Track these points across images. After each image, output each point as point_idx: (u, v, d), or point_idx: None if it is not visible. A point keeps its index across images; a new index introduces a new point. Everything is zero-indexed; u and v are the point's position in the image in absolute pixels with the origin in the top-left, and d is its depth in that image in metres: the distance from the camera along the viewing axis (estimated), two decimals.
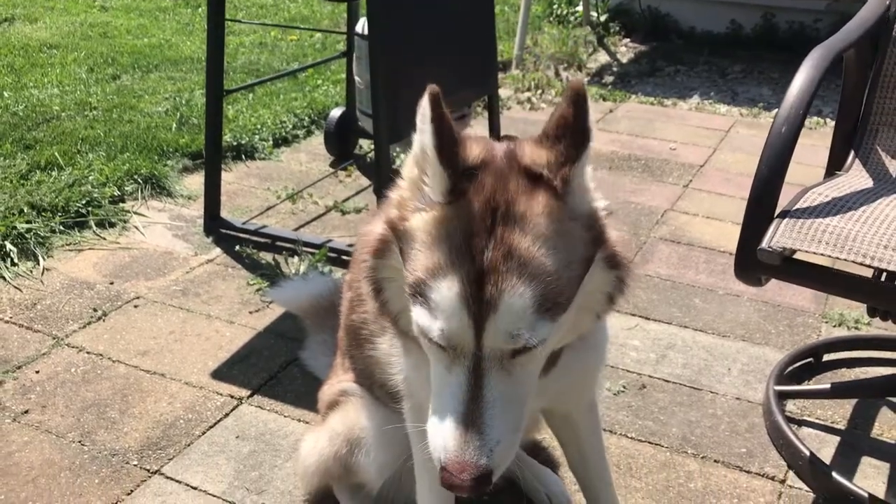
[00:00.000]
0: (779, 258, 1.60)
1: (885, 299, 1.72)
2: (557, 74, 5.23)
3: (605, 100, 4.78)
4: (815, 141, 3.76)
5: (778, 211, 1.69)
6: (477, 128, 4.11)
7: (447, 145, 1.08)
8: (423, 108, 1.08)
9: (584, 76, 5.31)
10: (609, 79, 5.22)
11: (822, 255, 1.58)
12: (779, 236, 1.61)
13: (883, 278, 1.82)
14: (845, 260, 1.55)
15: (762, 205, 1.65)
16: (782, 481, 1.94)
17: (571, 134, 1.08)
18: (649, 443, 2.05)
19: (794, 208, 1.69)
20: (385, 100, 2.66)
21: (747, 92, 4.95)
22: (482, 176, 1.09)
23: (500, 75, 5.07)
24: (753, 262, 1.64)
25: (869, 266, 1.57)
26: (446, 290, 1.03)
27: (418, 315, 1.07)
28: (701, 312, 2.62)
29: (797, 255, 1.69)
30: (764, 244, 1.61)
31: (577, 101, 1.07)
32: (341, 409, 1.69)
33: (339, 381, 1.73)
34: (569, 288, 1.07)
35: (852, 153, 2.09)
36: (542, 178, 1.09)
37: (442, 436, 1.04)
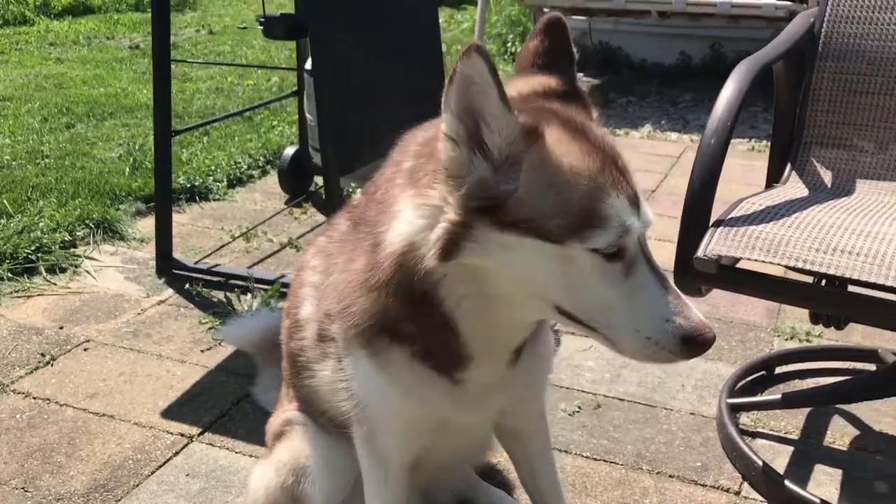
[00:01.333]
0: (714, 266, 1.62)
1: (824, 303, 1.75)
2: None
3: None
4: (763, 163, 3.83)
5: (713, 221, 1.71)
6: None
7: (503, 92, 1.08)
8: (475, 65, 1.04)
9: None
10: None
11: (756, 260, 1.61)
12: (713, 244, 1.63)
13: (823, 283, 1.85)
14: (778, 264, 1.58)
15: (696, 215, 1.68)
16: (737, 493, 1.93)
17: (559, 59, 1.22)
18: (604, 461, 2.04)
19: (728, 217, 1.72)
20: (332, 134, 2.67)
21: (697, 119, 5.05)
22: (542, 114, 1.15)
23: None
24: (691, 272, 1.66)
25: (802, 270, 1.60)
26: (615, 199, 1.10)
27: (595, 239, 1.09)
28: None
29: (741, 265, 1.71)
30: (699, 253, 1.63)
31: (551, 30, 1.17)
32: (286, 438, 1.66)
33: (285, 410, 1.71)
34: None
35: (789, 166, 2.14)
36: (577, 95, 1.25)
37: (673, 311, 1.12)
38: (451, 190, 1.12)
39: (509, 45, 6.49)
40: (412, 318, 1.23)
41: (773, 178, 2.15)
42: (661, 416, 2.21)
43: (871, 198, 1.97)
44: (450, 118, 1.09)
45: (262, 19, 2.98)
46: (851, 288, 1.69)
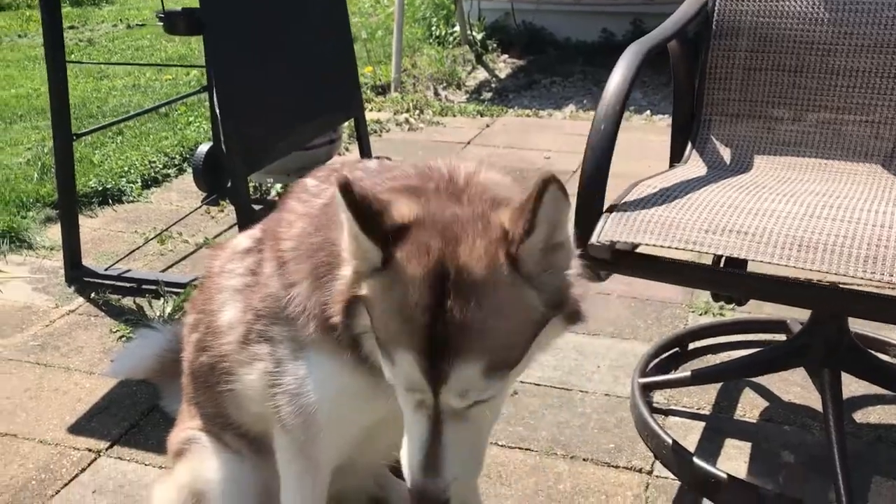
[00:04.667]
0: (608, 252, 1.62)
1: (720, 284, 1.76)
2: (437, 94, 5.27)
3: (482, 115, 4.83)
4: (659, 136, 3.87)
5: (607, 206, 1.71)
6: (352, 150, 4.10)
7: (369, 221, 1.08)
8: (338, 199, 1.07)
9: (462, 94, 5.37)
10: (487, 95, 5.29)
11: (650, 245, 1.61)
12: (606, 230, 1.63)
13: (722, 264, 1.87)
14: (669, 247, 1.58)
15: (589, 201, 1.67)
16: (650, 472, 1.95)
17: (527, 215, 1.06)
18: (519, 448, 2.04)
19: (622, 202, 1.72)
20: (236, 132, 2.61)
21: None
22: (423, 237, 1.08)
23: (380, 98, 5.08)
24: (587, 258, 1.65)
25: (693, 251, 1.61)
26: (403, 359, 1.08)
27: (385, 368, 1.14)
28: None
29: (641, 249, 1.72)
30: (593, 239, 1.62)
31: (539, 191, 1.04)
32: (186, 458, 1.62)
33: (185, 428, 1.66)
34: (520, 348, 1.11)
35: (689, 145, 2.15)
36: (500, 246, 1.08)
37: (410, 471, 1.14)
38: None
39: (434, 28, 6.44)
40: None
41: (675, 158, 2.16)
42: (577, 399, 2.23)
43: (768, 174, 1.99)
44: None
45: (162, 15, 2.89)
46: (752, 266, 1.72)
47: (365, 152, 3.50)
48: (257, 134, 2.69)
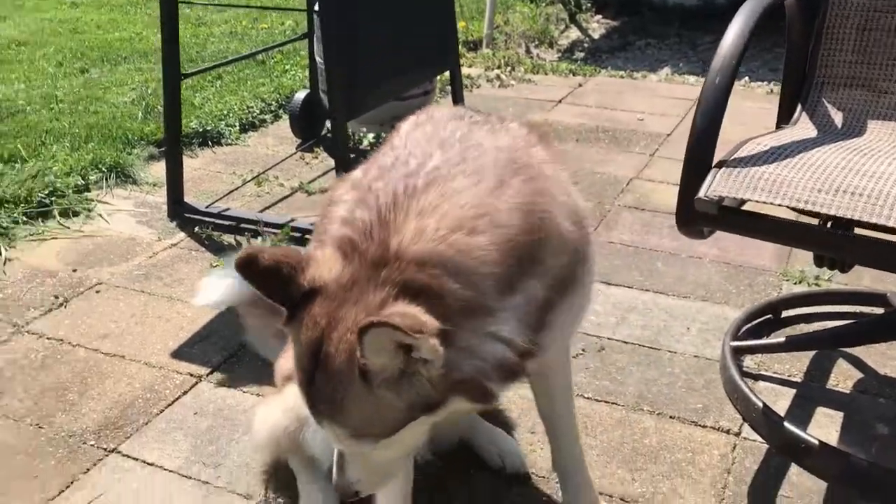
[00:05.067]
0: (715, 207, 1.60)
1: (826, 246, 1.73)
2: (528, 52, 5.22)
3: (574, 74, 4.77)
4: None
5: (716, 162, 1.69)
6: (443, 103, 4.11)
7: (274, 288, 1.16)
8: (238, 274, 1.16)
9: (554, 52, 5.31)
10: (580, 54, 5.23)
11: (758, 202, 1.59)
12: (715, 185, 1.61)
13: (829, 225, 1.82)
14: (779, 205, 1.56)
15: (699, 156, 1.65)
16: (737, 434, 1.95)
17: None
18: (606, 402, 2.06)
19: (732, 158, 1.69)
20: (339, 78, 2.65)
21: None
22: (318, 310, 1.12)
23: (471, 54, 5.07)
24: (692, 213, 1.64)
25: (804, 211, 1.58)
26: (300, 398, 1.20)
27: None
28: (663, 275, 2.62)
29: (746, 207, 1.69)
30: (701, 193, 1.61)
31: (359, 335, 1.03)
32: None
33: None
34: (385, 427, 1.14)
35: (799, 106, 2.09)
36: (357, 350, 1.08)
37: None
38: None
39: None
40: None
41: (784, 119, 2.10)
42: (665, 358, 2.22)
43: (882, 139, 1.92)
44: None
45: None
46: (858, 230, 1.67)
47: (458, 105, 3.51)
48: (358, 81, 2.73)
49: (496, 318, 1.12)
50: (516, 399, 2.01)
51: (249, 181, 3.36)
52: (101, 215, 3.08)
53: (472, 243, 1.12)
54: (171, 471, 1.86)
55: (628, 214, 3.04)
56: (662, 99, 4.32)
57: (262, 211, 3.10)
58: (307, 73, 4.42)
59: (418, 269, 1.09)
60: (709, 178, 1.64)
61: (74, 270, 2.71)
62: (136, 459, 1.90)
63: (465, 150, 1.26)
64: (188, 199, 3.09)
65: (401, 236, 1.11)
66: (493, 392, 1.15)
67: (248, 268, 1.14)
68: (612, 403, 2.05)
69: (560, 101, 4.31)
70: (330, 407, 1.13)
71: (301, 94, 3.72)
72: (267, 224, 2.86)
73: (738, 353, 2.16)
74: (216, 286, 2.04)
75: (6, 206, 3.01)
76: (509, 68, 4.81)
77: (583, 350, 2.25)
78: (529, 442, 1.92)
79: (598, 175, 3.37)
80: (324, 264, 1.15)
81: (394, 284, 1.09)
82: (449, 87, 3.47)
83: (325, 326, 1.11)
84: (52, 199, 3.10)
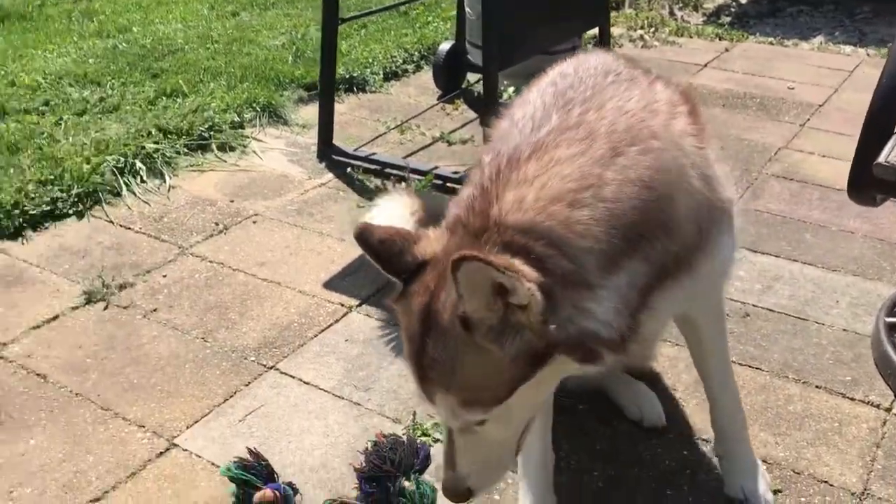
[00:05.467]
0: (893, 174, 1.56)
1: None
2: (672, 14, 5.09)
3: (720, 39, 4.62)
4: None
5: None
6: None
7: (388, 261, 1.18)
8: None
9: (699, 15, 5.16)
10: (726, 19, 5.05)
11: None
12: None
13: None
14: None
15: (881, 120, 1.61)
16: (888, 409, 1.90)
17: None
18: (749, 366, 2.04)
19: None
20: (494, 29, 2.68)
21: (876, 32, 4.69)
22: (427, 277, 1.15)
23: (613, 14, 4.97)
24: (868, 179, 1.61)
25: None
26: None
27: None
28: (811, 247, 2.56)
29: None
30: (881, 159, 1.57)
31: (453, 268, 1.03)
32: None
33: None
34: (495, 391, 1.12)
35: None
36: (457, 304, 1.09)
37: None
38: None
39: None
40: None
41: None
42: (812, 329, 2.18)
43: None
44: None
45: None
46: None
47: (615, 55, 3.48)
48: (511, 32, 2.75)
49: (595, 296, 1.09)
50: (659, 357, 2.03)
51: (393, 129, 3.44)
52: (254, 152, 3.24)
53: (572, 217, 1.09)
54: (325, 390, 1.98)
55: (776, 183, 2.96)
56: (814, 68, 4.15)
57: (405, 157, 3.18)
58: (449, 24, 4.47)
59: (518, 235, 1.09)
60: (890, 143, 1.59)
61: (232, 201, 2.87)
62: (293, 377, 2.03)
63: (584, 113, 1.20)
64: (336, 141, 3.20)
65: (500, 206, 1.11)
66: (599, 353, 1.12)
67: (365, 238, 1.19)
68: (756, 368, 2.04)
69: (705, 66, 4.20)
70: (439, 373, 1.13)
71: (446, 45, 3.76)
72: (413, 170, 2.94)
73: (893, 329, 2.09)
74: (387, 206, 2.05)
75: (169, 136, 3.20)
76: (652, 29, 4.71)
77: (727, 314, 2.23)
78: (671, 397, 1.94)
79: (745, 142, 3.29)
80: (434, 240, 1.18)
81: (494, 244, 1.09)
82: (591, 44, 3.44)
83: (433, 289, 1.13)
84: (211, 133, 3.27)
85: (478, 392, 1.12)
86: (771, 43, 4.57)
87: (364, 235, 1.19)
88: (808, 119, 3.51)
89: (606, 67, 1.32)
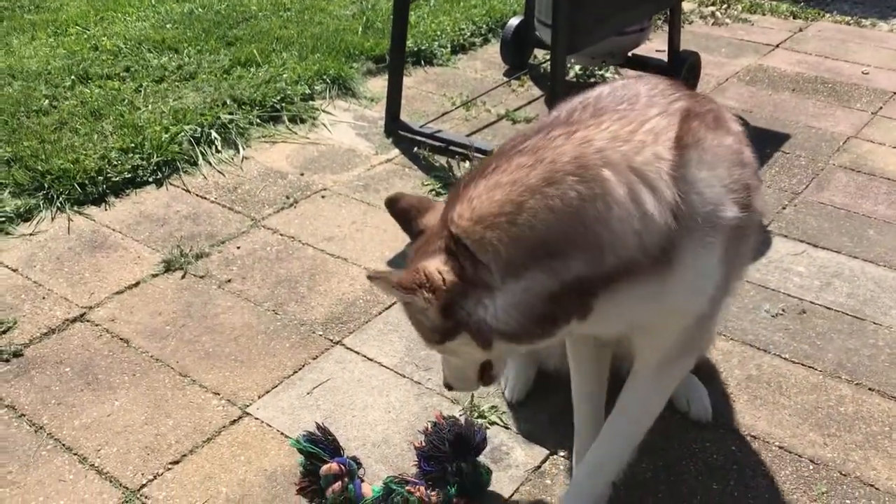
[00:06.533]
0: None
1: None
2: None
3: (795, 17, 4.53)
4: None
5: None
6: (657, 41, 4.04)
7: (407, 227, 1.48)
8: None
9: None
10: None
11: None
12: None
13: None
14: None
15: None
16: None
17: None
18: (802, 365, 2.08)
19: None
20: (566, 9, 2.69)
21: None
22: (417, 244, 1.42)
23: None
24: None
25: None
26: None
27: None
28: (874, 244, 2.55)
29: None
30: None
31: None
32: None
33: None
34: (431, 338, 1.39)
35: None
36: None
37: None
38: None
39: None
40: None
41: None
42: (869, 329, 2.19)
43: None
44: None
45: None
46: None
47: (674, 45, 3.46)
48: (581, 16, 2.76)
49: (492, 295, 1.30)
50: (712, 351, 2.07)
51: (460, 106, 3.49)
52: (324, 124, 3.33)
53: (485, 236, 1.29)
54: (387, 367, 2.08)
55: (843, 175, 2.93)
56: (892, 52, 4.04)
57: (469, 135, 3.23)
58: None
59: (451, 241, 1.32)
60: None
61: (302, 174, 2.97)
62: (357, 353, 2.13)
63: (552, 139, 1.31)
64: (402, 116, 3.27)
65: (452, 213, 1.33)
66: (489, 339, 1.33)
67: (393, 205, 1.50)
68: (810, 367, 2.07)
69: (777, 46, 4.13)
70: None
71: (514, 21, 3.77)
72: (477, 149, 3.00)
73: None
74: None
75: (243, 107, 3.31)
76: (724, 5, 4.63)
77: (783, 310, 2.26)
78: (723, 392, 1.99)
79: (813, 130, 3.25)
80: (437, 211, 1.43)
81: (443, 241, 1.34)
82: (661, 23, 3.42)
83: (412, 260, 1.40)
84: (283, 104, 3.37)
85: (425, 335, 1.41)
86: (847, 22, 4.46)
87: (391, 202, 1.51)
88: (882, 107, 3.45)
89: (633, 93, 1.38)
